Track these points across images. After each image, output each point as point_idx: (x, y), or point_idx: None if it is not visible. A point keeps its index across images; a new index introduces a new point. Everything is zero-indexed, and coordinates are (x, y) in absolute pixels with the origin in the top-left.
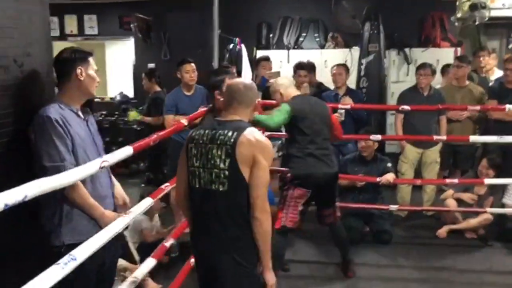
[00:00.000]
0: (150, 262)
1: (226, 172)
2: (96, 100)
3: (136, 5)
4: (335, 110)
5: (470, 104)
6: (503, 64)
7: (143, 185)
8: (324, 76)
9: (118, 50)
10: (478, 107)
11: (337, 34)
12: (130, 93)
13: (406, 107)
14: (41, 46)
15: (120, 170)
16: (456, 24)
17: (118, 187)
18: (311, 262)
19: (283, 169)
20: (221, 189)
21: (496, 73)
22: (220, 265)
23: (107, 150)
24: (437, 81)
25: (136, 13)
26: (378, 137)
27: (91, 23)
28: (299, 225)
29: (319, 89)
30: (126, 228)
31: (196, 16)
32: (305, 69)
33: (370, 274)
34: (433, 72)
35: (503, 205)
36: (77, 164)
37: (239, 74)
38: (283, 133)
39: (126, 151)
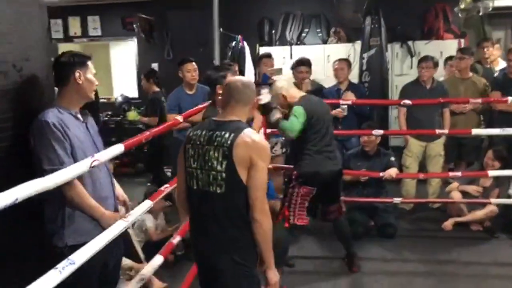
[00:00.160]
0: (157, 260)
1: (223, 174)
2: (101, 100)
3: (138, 5)
4: (337, 105)
5: (474, 96)
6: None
7: (149, 184)
8: (327, 71)
9: (121, 50)
10: (479, 100)
11: (340, 29)
12: (135, 94)
13: (408, 102)
14: (40, 50)
15: (126, 169)
16: (460, 15)
17: (117, 187)
18: (316, 257)
19: (288, 166)
20: (218, 191)
21: (501, 64)
22: (220, 265)
23: None
24: (441, 74)
25: (138, 14)
26: (380, 131)
27: (94, 24)
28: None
29: (319, 86)
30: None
31: (198, 15)
32: (306, 65)
33: (375, 268)
34: (435, 65)
35: (509, 197)
36: None
37: (241, 72)
38: None
39: (116, 149)
